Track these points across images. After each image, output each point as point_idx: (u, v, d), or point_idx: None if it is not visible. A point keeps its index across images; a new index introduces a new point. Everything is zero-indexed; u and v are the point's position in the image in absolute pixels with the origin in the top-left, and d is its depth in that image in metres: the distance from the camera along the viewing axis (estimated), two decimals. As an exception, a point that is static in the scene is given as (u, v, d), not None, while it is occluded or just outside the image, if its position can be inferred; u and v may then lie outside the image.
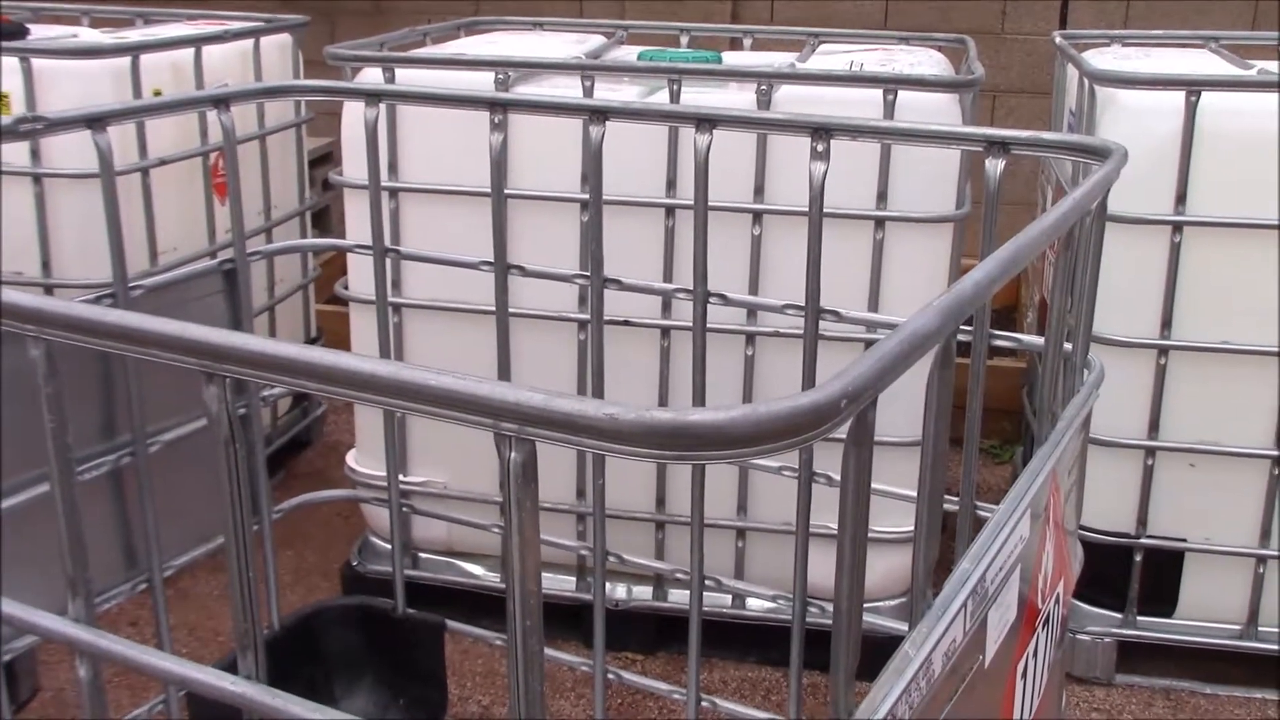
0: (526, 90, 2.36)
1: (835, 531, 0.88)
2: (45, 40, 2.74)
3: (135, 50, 2.58)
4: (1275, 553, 2.34)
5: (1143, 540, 2.39)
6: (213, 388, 0.94)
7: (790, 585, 1.85)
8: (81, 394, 1.71)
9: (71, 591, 1.13)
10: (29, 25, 2.90)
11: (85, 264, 2.51)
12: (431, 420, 0.81)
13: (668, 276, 2.28)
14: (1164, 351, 2.30)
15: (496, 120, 1.92)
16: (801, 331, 1.80)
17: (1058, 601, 1.36)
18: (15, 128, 1.58)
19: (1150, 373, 2.30)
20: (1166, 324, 2.28)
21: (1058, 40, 2.90)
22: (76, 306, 0.97)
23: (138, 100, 2.51)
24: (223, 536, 1.02)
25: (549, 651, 2.14)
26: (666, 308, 2.31)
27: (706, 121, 1.79)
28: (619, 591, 2.50)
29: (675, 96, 2.23)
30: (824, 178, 1.71)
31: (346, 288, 2.46)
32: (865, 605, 0.89)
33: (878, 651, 0.93)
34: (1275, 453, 2.30)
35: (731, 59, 2.69)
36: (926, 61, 2.63)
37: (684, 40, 3.15)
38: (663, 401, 2.35)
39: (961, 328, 0.99)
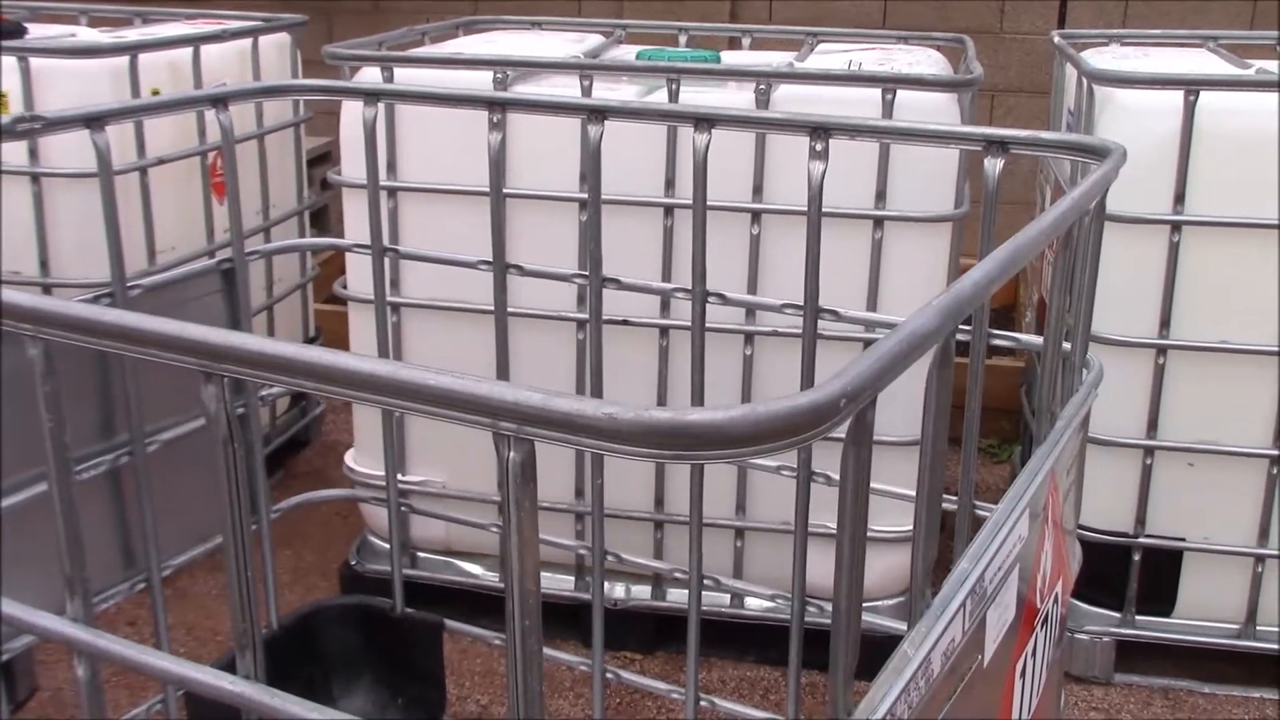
0: (525, 89, 2.36)
1: (834, 531, 0.88)
2: (43, 39, 2.74)
3: (133, 49, 2.57)
4: (1273, 552, 2.34)
5: (1141, 539, 2.39)
6: (211, 387, 0.94)
7: (789, 585, 1.85)
8: (80, 393, 1.71)
9: (70, 591, 1.12)
10: (27, 24, 2.89)
11: (83, 263, 2.51)
12: (430, 420, 0.81)
13: (666, 276, 2.28)
14: (1162, 351, 2.30)
15: (495, 120, 1.92)
16: (800, 331, 1.80)
17: (1056, 601, 1.36)
18: (13, 127, 1.58)
19: (1149, 372, 2.30)
20: (1165, 323, 2.28)
21: (1056, 40, 2.90)
22: (75, 306, 0.97)
23: (136, 100, 2.51)
24: (221, 536, 1.02)
25: (548, 651, 2.14)
26: (665, 307, 2.31)
27: (705, 121, 1.79)
28: (618, 591, 2.50)
29: (674, 96, 2.23)
30: (823, 177, 1.71)
31: (345, 287, 2.46)
32: (864, 604, 0.89)
33: (876, 651, 0.93)
34: (1273, 452, 2.30)
35: (730, 58, 2.69)
36: (925, 61, 2.63)
37: (682, 39, 3.15)
38: (661, 401, 2.35)
39: (960, 327, 0.99)
